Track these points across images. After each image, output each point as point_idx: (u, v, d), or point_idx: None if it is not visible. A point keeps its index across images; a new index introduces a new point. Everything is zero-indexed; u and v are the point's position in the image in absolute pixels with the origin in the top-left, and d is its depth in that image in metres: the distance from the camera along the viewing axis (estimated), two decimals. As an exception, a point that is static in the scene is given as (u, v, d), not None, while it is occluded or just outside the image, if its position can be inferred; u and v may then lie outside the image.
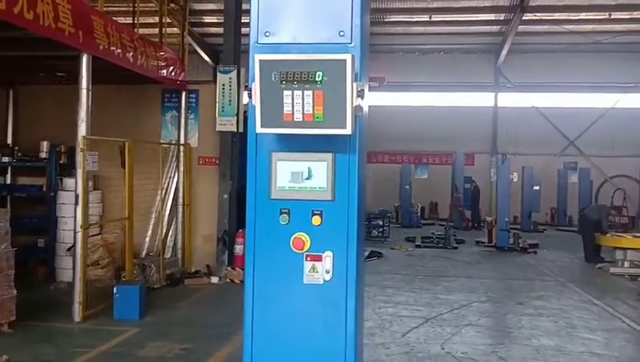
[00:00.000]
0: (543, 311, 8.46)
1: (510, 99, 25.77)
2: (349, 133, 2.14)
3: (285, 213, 2.29)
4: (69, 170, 10.11)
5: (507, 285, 10.68)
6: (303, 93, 2.16)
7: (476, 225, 21.38)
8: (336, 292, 2.23)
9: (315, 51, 2.19)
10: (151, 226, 10.29)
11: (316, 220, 2.27)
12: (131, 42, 8.34)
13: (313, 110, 2.16)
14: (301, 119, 2.17)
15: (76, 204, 7.22)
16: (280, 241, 2.28)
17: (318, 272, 2.23)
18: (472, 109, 25.83)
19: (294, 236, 2.27)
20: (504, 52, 23.06)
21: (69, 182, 9.59)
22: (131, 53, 8.35)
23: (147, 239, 10.27)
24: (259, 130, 2.22)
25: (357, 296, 2.26)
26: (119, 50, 7.97)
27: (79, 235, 7.23)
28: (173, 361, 5.89)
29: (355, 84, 2.12)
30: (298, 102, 2.16)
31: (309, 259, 2.25)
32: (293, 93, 2.17)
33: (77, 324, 7.16)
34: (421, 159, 26.55)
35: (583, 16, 19.65)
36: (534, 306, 8.82)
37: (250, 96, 2.23)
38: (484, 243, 16.31)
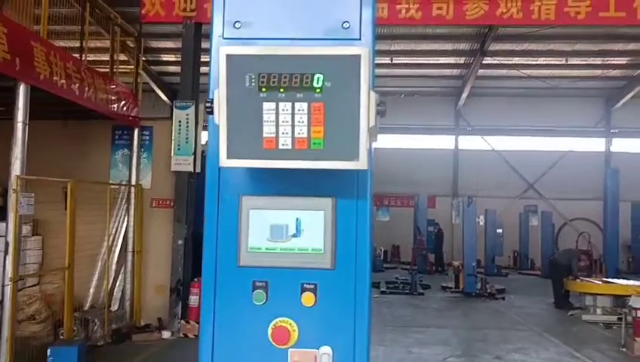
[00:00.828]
0: (525, 367, 7.88)
1: (470, 142, 25.85)
2: (364, 167, 1.46)
3: (261, 287, 1.56)
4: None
5: (481, 336, 10.07)
6: (293, 106, 1.47)
7: (440, 269, 20.93)
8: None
9: (310, 43, 1.56)
10: (96, 276, 9.32)
11: (308, 299, 1.53)
12: (78, 72, 7.59)
13: (309, 132, 1.46)
14: (290, 146, 1.47)
15: (6, 252, 6.29)
16: (252, 330, 1.54)
17: None
18: (433, 152, 25.77)
19: (275, 323, 1.54)
20: (464, 95, 23.15)
21: (1, 227, 8.62)
22: (77, 85, 7.58)
23: (92, 290, 9.29)
24: (224, 162, 1.50)
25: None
26: (63, 81, 7.20)
27: (8, 289, 6.28)
28: None
29: (372, 93, 1.47)
30: (286, 120, 1.46)
31: (296, 358, 1.51)
32: (278, 106, 1.47)
33: (1, 394, 6.17)
34: (383, 201, 26.18)
35: (540, 61, 19.88)
36: (513, 361, 8.22)
37: (210, 112, 1.54)
38: (451, 288, 15.81)
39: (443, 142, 26.06)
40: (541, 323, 11.42)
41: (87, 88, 7.88)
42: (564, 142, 25.17)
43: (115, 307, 9.38)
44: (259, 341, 1.54)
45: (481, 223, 16.21)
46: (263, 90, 1.46)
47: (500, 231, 21.94)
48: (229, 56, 1.48)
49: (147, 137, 9.96)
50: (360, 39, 1.62)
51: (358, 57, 1.43)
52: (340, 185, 1.56)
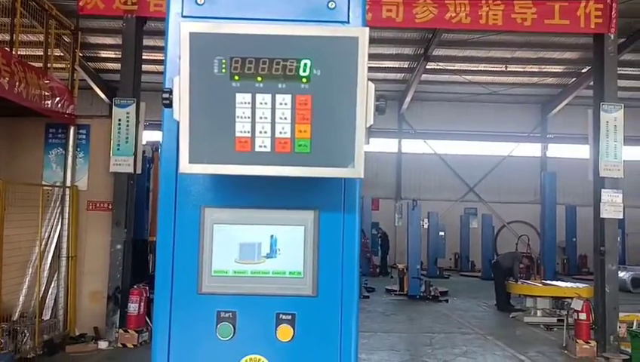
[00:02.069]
0: (473, 371, 7.88)
1: (413, 146, 26.15)
2: (360, 175, 1.21)
3: (227, 318, 1.28)
4: None
5: (428, 340, 10.06)
6: (274, 99, 1.19)
7: (384, 271, 21.03)
8: None
9: (294, 21, 1.31)
10: (26, 283, 8.71)
11: (284, 332, 1.27)
12: (7, 66, 7.04)
13: (293, 131, 1.19)
14: (269, 148, 1.20)
15: None
16: None
17: None
18: (376, 155, 25.89)
19: (244, 361, 1.29)
20: (408, 99, 23.37)
21: None
22: (7, 79, 7.03)
23: (21, 298, 8.66)
24: (185, 168, 1.20)
25: None
26: (-9, 75, 6.66)
27: None
28: None
29: (371, 85, 1.23)
30: (264, 116, 1.18)
31: None
32: (255, 99, 1.19)
33: None
34: (327, 204, 26.11)
35: (481, 67, 20.31)
36: (462, 365, 8.23)
37: (168, 104, 1.25)
38: (395, 291, 15.85)
39: (387, 145, 26.24)
40: (485, 326, 11.55)
41: (17, 83, 7.33)
42: (503, 146, 25.86)
43: (47, 316, 8.79)
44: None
45: (426, 226, 16.31)
46: (236, 78, 1.18)
47: (442, 233, 22.26)
48: (193, 35, 1.19)
49: (84, 136, 9.42)
50: (348, 22, 1.39)
51: (355, 40, 1.19)
52: (325, 196, 1.30)
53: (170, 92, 1.23)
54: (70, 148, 9.21)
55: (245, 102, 1.20)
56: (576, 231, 22.69)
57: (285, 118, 1.18)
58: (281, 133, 1.17)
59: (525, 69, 20.44)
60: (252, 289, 1.31)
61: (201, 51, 1.18)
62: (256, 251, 1.31)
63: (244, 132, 1.18)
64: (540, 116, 25.39)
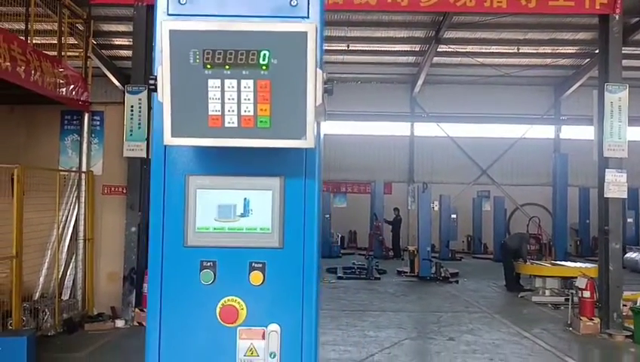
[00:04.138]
0: (476, 347, 8.08)
1: (426, 129, 26.20)
2: (311, 145, 1.44)
3: (209, 267, 1.53)
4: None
5: (435, 318, 10.28)
6: (239, 84, 1.43)
7: (397, 254, 21.24)
8: (287, 387, 1.50)
9: (256, 19, 1.53)
10: (46, 264, 9.05)
11: (256, 277, 1.52)
12: (23, 55, 7.31)
13: (255, 110, 1.43)
14: (236, 124, 1.43)
15: (-52, 241, 6.06)
16: (201, 310, 1.52)
17: (258, 356, 1.50)
18: (389, 139, 26.04)
19: (223, 302, 1.52)
20: (420, 82, 23.39)
21: (-54, 214, 8.28)
22: (23, 68, 7.30)
23: (41, 279, 9.00)
24: (168, 140, 1.46)
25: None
26: (8, 64, 6.91)
27: (-49, 279, 6.06)
28: None
29: (319, 71, 1.45)
30: (232, 98, 1.41)
31: (244, 336, 1.49)
32: (223, 84, 1.43)
33: (-55, 388, 5.96)
34: (340, 188, 26.33)
35: (493, 49, 20.24)
36: (466, 342, 8.43)
37: (153, 89, 1.50)
38: (406, 273, 16.06)
39: (399, 128, 26.34)
40: (493, 305, 11.74)
41: (33, 71, 7.60)
42: (515, 129, 25.81)
43: (66, 296, 9.15)
44: (207, 320, 1.53)
45: (436, 209, 16.46)
46: (208, 66, 1.42)
47: (454, 216, 22.39)
48: (172, 32, 1.44)
49: (98, 122, 9.70)
50: (308, 17, 1.60)
51: (304, 34, 1.40)
52: (289, 165, 1.55)
53: (156, 78, 1.47)
54: (85, 135, 9.50)
55: (216, 87, 1.43)
56: (589, 212, 22.64)
57: (249, 99, 1.41)
58: (245, 111, 1.41)
59: (538, 51, 20.34)
60: (229, 243, 1.55)
61: (179, 45, 1.42)
62: (232, 211, 1.55)
63: (216, 111, 1.42)
64: (553, 98, 25.26)
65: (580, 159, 21.93)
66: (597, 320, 9.02)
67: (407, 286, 14.39)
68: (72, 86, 8.93)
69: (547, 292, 12.26)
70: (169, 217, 1.56)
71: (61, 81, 8.59)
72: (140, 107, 9.21)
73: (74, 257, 9.36)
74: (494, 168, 25.83)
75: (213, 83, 1.42)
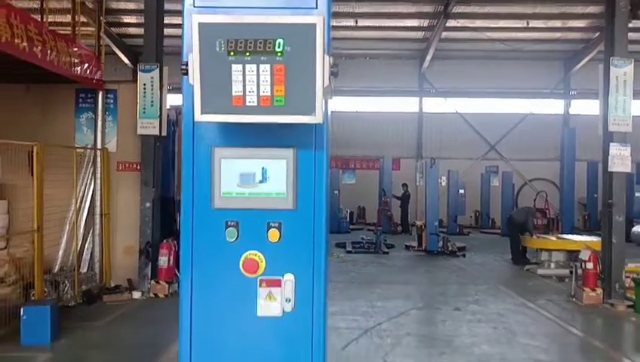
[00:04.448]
0: (481, 317, 8.34)
1: (434, 105, 26.22)
2: (319, 121, 1.65)
3: (233, 226, 1.77)
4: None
5: (442, 290, 10.56)
6: (258, 68, 1.64)
7: (406, 229, 21.46)
8: (300, 327, 1.72)
9: (272, 12, 1.73)
10: (64, 238, 9.38)
11: (273, 235, 1.76)
12: (39, 35, 7.51)
13: (272, 91, 1.64)
14: (255, 103, 1.65)
15: (-25, 215, 6.34)
16: (226, 263, 1.76)
17: (276, 301, 1.73)
18: (397, 115, 26.10)
19: (245, 256, 1.76)
20: (428, 58, 23.37)
21: (-33, 191, 8.60)
22: (39, 48, 7.51)
23: (60, 252, 9.35)
24: (198, 117, 1.67)
25: (325, 331, 1.80)
26: (25, 44, 7.13)
27: (-22, 251, 6.36)
28: (89, 392, 5.21)
29: (327, 57, 1.66)
30: (252, 80, 1.63)
31: (264, 284, 1.74)
32: (245, 68, 1.65)
33: (-24, 353, 6.30)
34: (348, 164, 26.50)
35: (502, 24, 20.19)
36: (472, 311, 8.69)
37: (185, 73, 1.71)
38: (414, 247, 16.31)
39: (407, 104, 26.38)
40: (498, 277, 11.99)
41: (49, 51, 7.81)
42: (524, 104, 25.77)
43: (84, 269, 9.48)
44: (232, 271, 1.76)
45: (444, 184, 16.64)
46: (232, 54, 1.63)
47: (462, 191, 22.53)
48: (201, 24, 1.65)
49: (111, 100, 9.93)
50: (316, 7, 1.79)
51: (314, 25, 1.61)
52: (301, 138, 1.76)
53: (187, 64, 1.68)
54: (99, 113, 9.74)
55: (238, 71, 1.65)
56: (598, 187, 22.69)
57: (266, 81, 1.63)
58: (263, 92, 1.63)
59: (547, 25, 20.26)
60: (250, 205, 1.79)
61: (207, 35, 1.63)
62: (252, 178, 1.78)
63: (238, 92, 1.64)
64: (563, 72, 25.15)
65: (588, 134, 21.78)
66: (599, 291, 9.24)
67: (415, 260, 14.66)
68: (86, 65, 9.14)
69: (552, 265, 12.47)
70: (198, 184, 1.79)
71: (76, 60, 8.80)
72: (152, 85, 9.42)
73: (91, 231, 9.68)
74: (503, 143, 25.86)
75: (236, 68, 1.63)
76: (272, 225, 1.78)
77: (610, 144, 9.02)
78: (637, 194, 22.03)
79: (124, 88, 9.99)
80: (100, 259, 9.63)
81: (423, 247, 15.82)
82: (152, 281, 9.46)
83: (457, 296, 9.98)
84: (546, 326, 7.96)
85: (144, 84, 9.45)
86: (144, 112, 9.46)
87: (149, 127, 9.51)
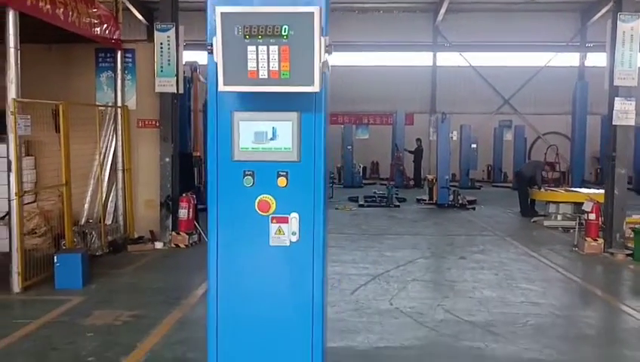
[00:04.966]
0: (485, 264, 8.78)
1: (448, 59, 26.14)
2: (317, 90, 2.03)
3: (249, 174, 2.17)
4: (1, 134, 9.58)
5: (449, 241, 11.00)
6: (268, 49, 2.02)
7: (418, 183, 21.80)
8: (303, 254, 2.16)
9: (279, 4, 2.07)
10: (89, 192, 9.89)
11: (282, 182, 2.17)
12: (61, -3, 7.83)
13: (279, 66, 2.01)
14: (266, 76, 2.02)
15: (9, 170, 6.83)
16: (244, 204, 2.17)
17: (284, 234, 2.16)
18: (411, 69, 26.09)
19: (259, 198, 2.17)
20: (442, 11, 23.24)
21: (-2, 148, 9.08)
22: (62, 10, 7.84)
23: (86, 205, 9.88)
24: (221, 88, 2.05)
25: (324, 257, 2.21)
26: (48, 7, 7.46)
27: (14, 203, 6.88)
28: (121, 329, 5.75)
29: (322, 39, 2.01)
30: (263, 58, 2.01)
31: (274, 221, 2.16)
32: (257, 49, 2.02)
33: (16, 295, 6.87)
34: (362, 120, 26.71)
35: (518, -26, 19.98)
36: (476, 260, 9.14)
37: (210, 52, 2.08)
38: (425, 201, 16.70)
39: (421, 59, 26.32)
40: (505, 229, 12.39)
41: (70, 13, 8.13)
42: (540, 57, 25.60)
43: (109, 221, 10.01)
44: (249, 211, 2.18)
45: (455, 138, 16.88)
46: (247, 37, 2.01)
47: (474, 145, 22.71)
48: (223, 14, 2.03)
49: (130, 60, 10.26)
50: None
51: (312, 14, 1.98)
52: (303, 104, 2.14)
53: (211, 45, 2.06)
54: (119, 71, 10.09)
55: (252, 51, 2.04)
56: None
57: (275, 59, 2.01)
58: (272, 67, 2.02)
59: (563, -25, 20.04)
60: (262, 158, 2.19)
61: (227, 23, 2.01)
62: (264, 136, 2.17)
63: (253, 67, 2.04)
64: (580, 24, 24.87)
65: (604, 87, 21.86)
66: (601, 240, 9.61)
67: (425, 212, 15.08)
68: (105, 25, 9.46)
69: (559, 217, 12.80)
70: (220, 141, 2.19)
71: (95, 21, 9.12)
72: (169, 44, 9.72)
73: (114, 186, 10.18)
74: (517, 97, 25.85)
75: (251, 48, 2.02)
76: (281, 173, 2.19)
77: (615, 98, 9.23)
78: (649, 148, 22.06)
79: (141, 47, 10.31)
80: (124, 211, 10.15)
81: (434, 201, 16.21)
82: (173, 232, 9.99)
83: (464, 246, 10.41)
84: (546, 273, 8.39)
85: (161, 43, 9.75)
86: (161, 71, 9.79)
87: (167, 85, 9.86)
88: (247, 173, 2.19)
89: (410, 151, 22.73)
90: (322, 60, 2.01)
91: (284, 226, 2.17)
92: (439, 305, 6.65)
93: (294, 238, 2.17)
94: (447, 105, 24.55)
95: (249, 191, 2.18)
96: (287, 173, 2.19)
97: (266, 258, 2.17)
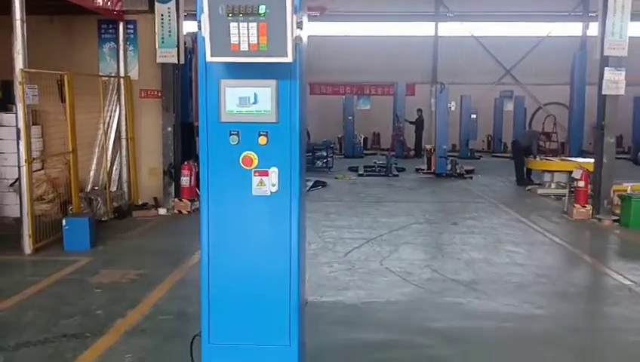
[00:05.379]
0: (475, 229, 9.13)
1: (450, 29, 26.14)
2: (291, 60, 2.32)
3: (235, 134, 2.49)
4: (4, 104, 9.87)
5: (443, 208, 11.33)
6: (248, 25, 2.30)
7: (419, 153, 22.05)
8: (282, 202, 2.50)
9: None
10: (95, 160, 10.24)
11: (262, 140, 2.49)
12: (64, -30, 8.04)
13: (258, 40, 2.31)
14: (247, 49, 2.32)
15: (18, 138, 7.16)
16: (231, 160, 2.50)
17: (265, 186, 2.48)
18: (413, 39, 26.12)
19: (243, 154, 2.49)
20: (444, -20, 23.18)
21: (5, 116, 9.39)
22: (64, -18, 8.06)
23: (92, 173, 10.23)
24: (208, 59, 2.35)
25: (300, 204, 2.54)
26: (51, -21, 7.69)
27: (24, 169, 7.22)
28: (127, 286, 6.14)
29: (294, 16, 2.29)
30: (244, 33, 2.30)
31: (257, 174, 2.49)
32: (239, 25, 2.30)
33: (28, 256, 7.27)
34: (363, 90, 26.84)
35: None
36: (467, 225, 9.48)
37: (199, 28, 2.37)
38: (423, 170, 16.99)
39: (423, 29, 26.32)
40: (500, 197, 12.70)
41: (73, -15, 8.35)
42: (542, 27, 25.57)
43: (113, 188, 10.38)
44: (235, 166, 2.51)
45: (453, 109, 17.08)
46: (230, 15, 2.30)
47: (474, 116, 22.90)
48: None
49: (132, 31, 10.48)
50: None
51: None
52: (280, 72, 2.45)
53: (200, 22, 2.35)
54: (121, 42, 10.33)
55: (234, 27, 2.33)
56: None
57: (254, 34, 2.31)
58: (252, 41, 2.32)
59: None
60: (246, 119, 2.50)
61: (213, 3, 2.30)
62: (247, 100, 2.47)
63: (235, 41, 2.34)
64: (582, -7, 24.79)
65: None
66: (589, 207, 9.93)
67: (423, 181, 15.39)
68: (106, -4, 9.66)
69: (553, 186, 13.08)
70: (210, 105, 2.50)
71: (97, -7, 9.32)
72: (169, 15, 9.93)
73: (118, 154, 10.51)
74: (519, 68, 25.90)
75: (233, 25, 2.32)
76: (262, 133, 2.50)
77: (605, 68, 9.44)
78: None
79: (143, 19, 10.51)
80: (128, 179, 10.51)
81: (432, 170, 16.50)
82: (176, 199, 10.35)
83: (457, 212, 10.75)
84: (533, 237, 8.73)
85: (162, 15, 9.96)
86: (163, 42, 10.02)
87: (168, 55, 10.10)
88: (232, 132, 2.50)
89: (410, 122, 22.93)
90: (295, 35, 2.30)
91: (265, 179, 2.50)
92: (427, 265, 7.01)
93: (274, 189, 2.50)
94: (449, 76, 24.62)
95: (235, 148, 2.50)
96: (267, 132, 2.50)
97: (250, 206, 2.51)
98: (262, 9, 2.29)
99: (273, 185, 2.50)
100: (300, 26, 2.34)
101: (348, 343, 4.67)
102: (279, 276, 2.55)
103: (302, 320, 2.68)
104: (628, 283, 6.45)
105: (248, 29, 2.32)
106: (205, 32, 2.33)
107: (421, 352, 4.54)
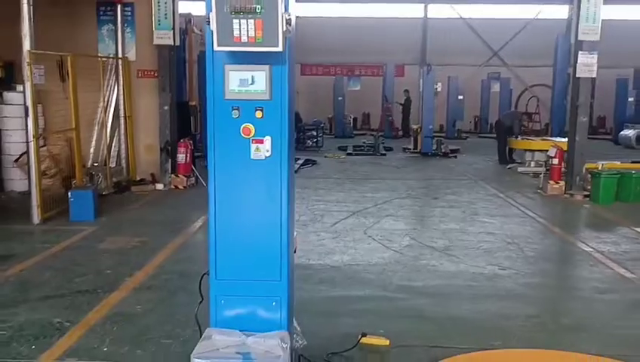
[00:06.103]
0: (454, 204, 9.74)
1: (439, 11, 26.57)
2: (281, 50, 2.88)
3: (236, 109, 3.05)
4: (8, 84, 10.33)
5: (427, 184, 11.94)
6: (247, 21, 2.86)
7: (407, 134, 22.63)
8: (274, 165, 3.08)
9: None
10: (94, 137, 10.74)
11: (259, 114, 3.05)
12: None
13: (255, 34, 2.87)
14: (246, 40, 2.88)
15: (26, 115, 7.65)
16: (233, 130, 3.06)
17: (260, 151, 3.05)
18: (402, 21, 26.55)
19: (243, 126, 3.06)
20: (433, -37, 23.55)
21: (9, 95, 9.86)
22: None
23: (92, 150, 10.74)
24: (216, 48, 2.91)
25: (289, 168, 3.12)
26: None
27: (32, 144, 7.73)
28: (131, 251, 6.70)
29: (284, 14, 2.84)
30: (244, 28, 2.85)
31: (254, 142, 3.06)
32: (240, 21, 2.86)
33: (37, 226, 7.81)
34: (354, 71, 27.29)
35: None
36: (447, 200, 10.10)
37: (208, 23, 2.91)
38: (410, 149, 17.60)
39: (413, 10, 26.74)
40: (481, 174, 13.33)
41: (75, -31, 8.77)
42: (529, 9, 26.06)
43: (113, 164, 10.89)
44: (236, 135, 3.06)
45: (439, 90, 17.64)
46: (233, 13, 2.84)
47: (461, 97, 23.45)
48: None
49: (129, 13, 10.91)
50: None
51: None
52: (273, 59, 3.00)
53: (209, 18, 2.87)
54: (119, 25, 10.77)
55: (237, 23, 2.85)
56: (595, 92, 23.48)
57: (252, 29, 2.84)
58: (250, 35, 2.84)
59: None
60: (246, 97, 3.05)
61: (219, 3, 2.81)
62: (247, 82, 3.02)
63: (237, 34, 2.86)
64: (568, -23, 25.20)
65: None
66: (562, 183, 10.57)
67: (409, 160, 15.99)
68: (105, -20, 10.07)
69: (532, 164, 13.72)
70: (215, 86, 3.04)
71: (96, -23, 9.73)
72: (165, -1, 10.36)
73: (117, 132, 11.01)
74: (506, 50, 26.39)
75: (236, 21, 2.85)
76: (258, 108, 3.07)
77: (579, 52, 10.01)
78: (630, 99, 22.90)
79: (140, 2, 10.93)
80: (126, 155, 11.02)
81: (418, 149, 17.11)
82: (172, 175, 10.88)
83: (439, 188, 11.37)
84: (508, 210, 9.36)
85: (158, -2, 10.38)
86: (159, 24, 10.48)
87: (164, 37, 10.56)
88: (234, 108, 3.06)
89: (400, 104, 23.46)
90: (283, 29, 2.86)
91: (260, 146, 3.08)
92: (407, 234, 7.62)
93: (268, 154, 3.08)
94: (438, 57, 25.14)
95: (236, 121, 3.07)
96: (262, 108, 3.07)
97: (248, 168, 3.09)
98: (258, 8, 2.83)
99: (267, 150, 3.07)
100: (288, 22, 2.88)
101: (331, 297, 5.28)
102: (272, 225, 3.14)
103: (291, 260, 3.28)
104: (589, 249, 7.09)
105: (247, 25, 2.86)
106: (213, 27, 2.87)
107: (395, 303, 5.15)
